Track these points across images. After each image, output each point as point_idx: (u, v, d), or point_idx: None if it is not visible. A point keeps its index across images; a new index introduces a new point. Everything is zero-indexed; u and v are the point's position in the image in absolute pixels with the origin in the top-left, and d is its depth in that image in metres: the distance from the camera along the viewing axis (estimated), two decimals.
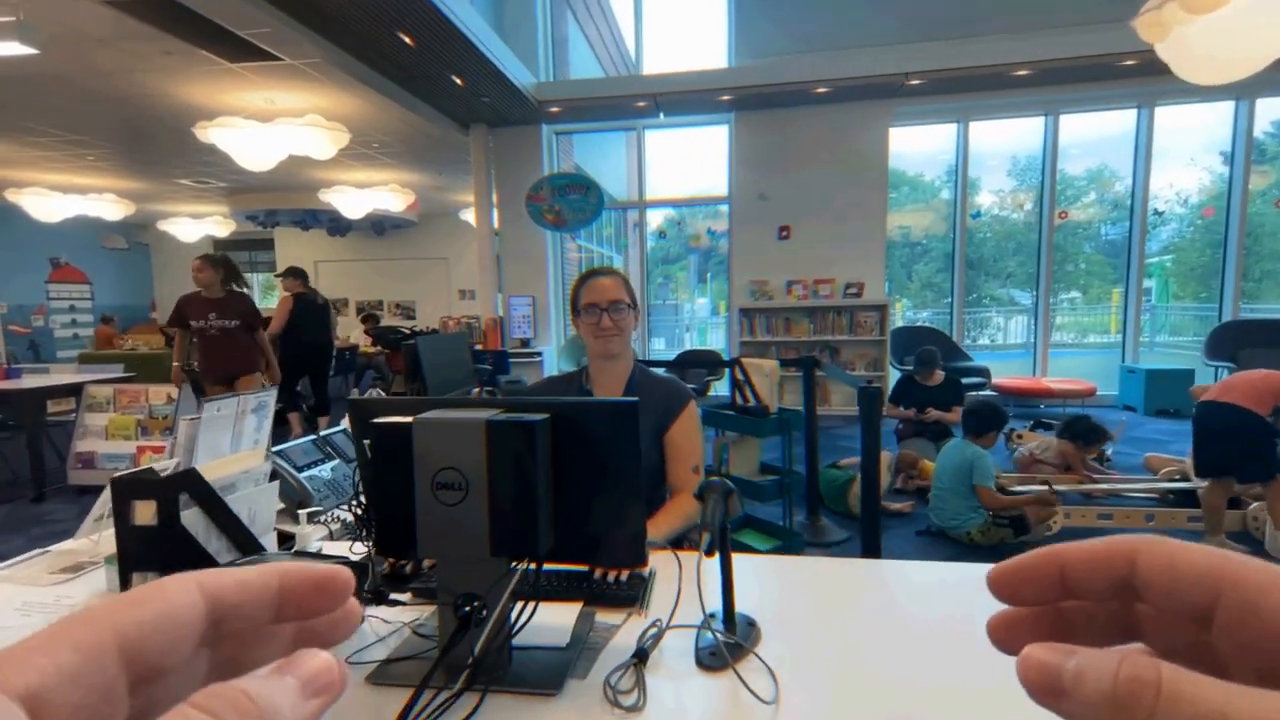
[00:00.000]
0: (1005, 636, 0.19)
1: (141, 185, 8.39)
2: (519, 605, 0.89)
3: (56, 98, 5.14)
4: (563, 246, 7.03)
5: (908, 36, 5.55)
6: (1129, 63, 5.03)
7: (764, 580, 1.17)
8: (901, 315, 7.34)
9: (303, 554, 1.10)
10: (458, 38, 4.31)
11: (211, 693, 0.14)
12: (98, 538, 1.33)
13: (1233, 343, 5.65)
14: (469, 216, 9.17)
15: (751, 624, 0.98)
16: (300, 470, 1.63)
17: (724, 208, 6.70)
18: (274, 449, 1.69)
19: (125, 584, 0.89)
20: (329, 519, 1.52)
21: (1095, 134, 6.75)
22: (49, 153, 6.67)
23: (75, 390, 4.02)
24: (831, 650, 0.94)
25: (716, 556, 0.95)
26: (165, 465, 1.45)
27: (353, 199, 7.56)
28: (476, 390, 3.63)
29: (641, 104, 6.02)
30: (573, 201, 6.10)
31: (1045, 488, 3.18)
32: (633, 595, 1.07)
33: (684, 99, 5.95)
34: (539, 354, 6.43)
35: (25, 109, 5.36)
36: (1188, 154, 6.61)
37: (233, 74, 4.77)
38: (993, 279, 9.72)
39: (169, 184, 8.41)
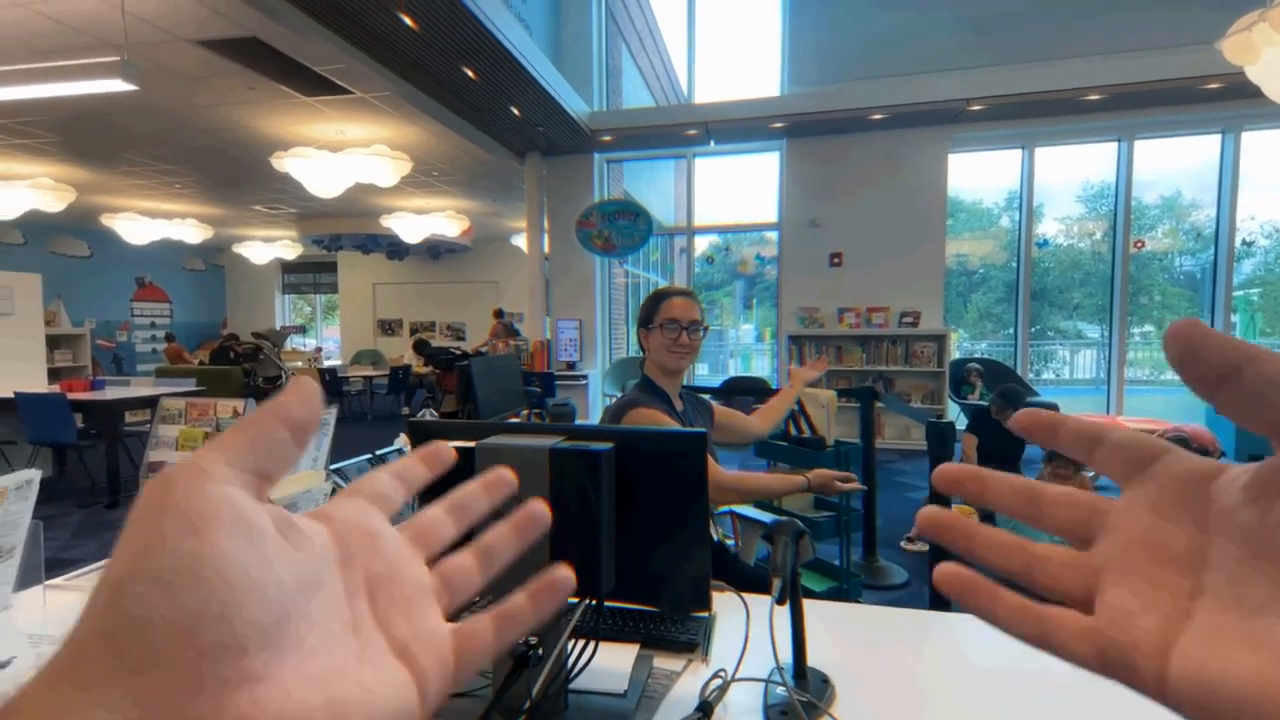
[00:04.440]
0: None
1: (220, 211, 8.96)
2: (576, 645, 0.84)
3: (152, 130, 5.56)
4: (610, 271, 7.09)
5: (969, 61, 5.43)
6: (1212, 86, 4.76)
7: (834, 630, 1.09)
8: (957, 346, 7.05)
9: None
10: (518, 71, 4.46)
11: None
12: None
13: None
14: (519, 241, 9.42)
15: (825, 681, 0.90)
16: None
17: (772, 234, 6.64)
18: (330, 467, 1.71)
19: None
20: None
21: (1169, 161, 6.41)
22: (142, 181, 7.20)
23: (151, 402, 4.25)
24: (913, 714, 0.86)
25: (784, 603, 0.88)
26: None
27: (411, 224, 7.87)
28: (525, 412, 3.63)
29: (692, 132, 6.07)
30: (622, 227, 6.16)
31: None
32: (693, 640, 1.00)
33: (735, 127, 5.97)
34: (584, 377, 6.45)
35: (125, 141, 5.82)
36: (1275, 181, 6.18)
37: (308, 107, 5.05)
38: (1057, 310, 9.27)
39: (245, 209, 8.95)
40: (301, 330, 13.64)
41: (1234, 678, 0.16)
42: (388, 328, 12.48)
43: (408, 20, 3.65)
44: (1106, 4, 5.20)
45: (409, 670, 0.19)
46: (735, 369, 10.55)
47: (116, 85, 3.20)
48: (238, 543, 0.16)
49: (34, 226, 8.26)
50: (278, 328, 11.69)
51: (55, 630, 1.03)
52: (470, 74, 4.47)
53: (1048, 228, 6.77)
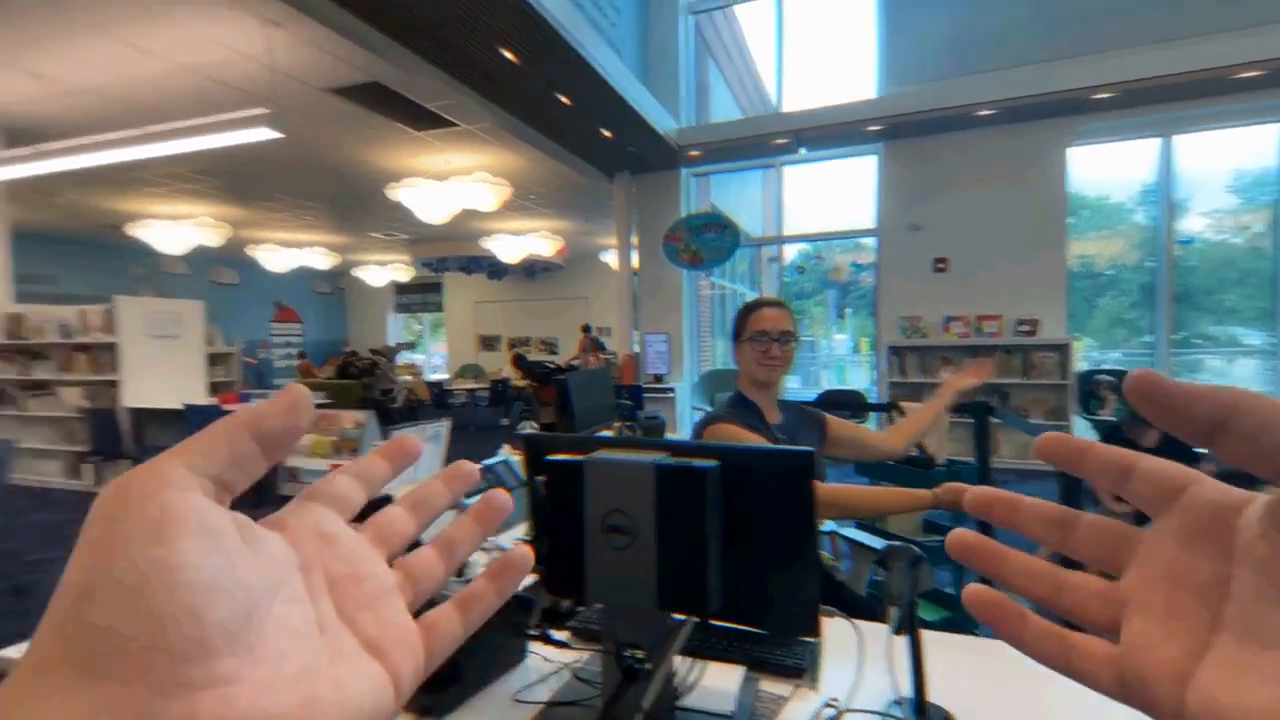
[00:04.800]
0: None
1: (343, 239, 9.89)
2: (682, 663, 0.84)
3: (289, 170, 6.25)
4: (696, 284, 7.09)
5: (1091, 46, 4.97)
6: None
7: (953, 663, 1.01)
8: (1084, 355, 6.40)
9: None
10: (610, 94, 4.60)
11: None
12: None
13: None
14: (608, 258, 9.65)
15: (947, 717, 0.84)
16: (468, 498, 1.74)
17: (867, 240, 6.37)
18: None
19: None
20: (491, 547, 1.59)
21: None
22: (280, 214, 8.11)
23: None
24: None
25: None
26: None
27: (509, 245, 8.29)
28: (617, 425, 3.70)
29: (782, 141, 5.98)
30: (709, 240, 6.15)
31: None
32: (800, 665, 0.97)
33: (828, 132, 5.81)
34: (671, 390, 6.47)
35: (268, 181, 6.59)
36: None
37: (419, 141, 5.48)
38: (1205, 315, 8.17)
39: (364, 237, 9.82)
40: (411, 346, 14.70)
41: (1246, 709, 0.16)
42: (488, 343, 13.18)
43: (508, 54, 3.88)
44: None
45: (381, 665, 0.20)
46: (828, 382, 10.16)
47: (265, 134, 3.64)
48: (202, 547, 0.16)
49: (194, 258, 9.51)
50: (391, 344, 12.68)
51: None
52: (564, 100, 4.67)
53: (1193, 223, 6.02)
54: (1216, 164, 6.08)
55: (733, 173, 7.66)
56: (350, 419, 4.01)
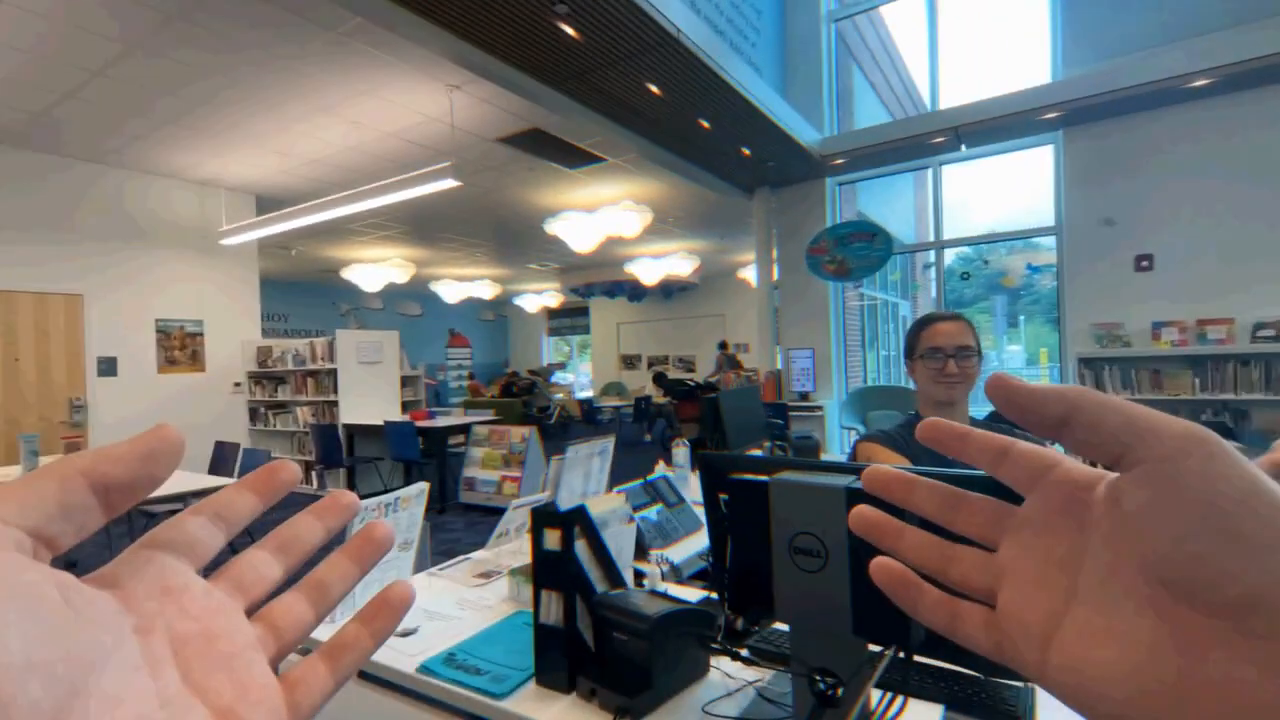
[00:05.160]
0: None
1: (505, 270, 10.89)
2: (880, 696, 0.82)
3: (463, 213, 7.06)
4: (843, 296, 6.78)
5: None
6: None
7: None
8: None
9: (654, 593, 1.21)
10: (752, 113, 4.62)
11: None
12: (497, 551, 1.68)
13: None
14: (744, 274, 9.58)
15: None
16: (634, 512, 1.83)
17: (1045, 239, 5.67)
18: (616, 490, 1.93)
19: (537, 598, 1.09)
20: (660, 561, 1.66)
21: None
22: (454, 252, 9.15)
23: (465, 429, 5.29)
24: None
25: None
26: (538, 498, 1.76)
27: (649, 267, 8.58)
28: (765, 444, 3.64)
29: (939, 139, 5.56)
30: (857, 250, 5.88)
31: None
32: (1011, 712, 0.90)
33: (995, 125, 5.30)
34: (819, 407, 6.22)
35: (445, 223, 7.48)
36: None
37: (569, 177, 5.91)
38: None
39: (522, 268, 10.74)
40: (562, 367, 15.70)
41: (1092, 667, 0.19)
42: (629, 362, 13.68)
43: (654, 89, 4.06)
44: None
45: None
46: None
47: (448, 184, 4.17)
48: (15, 616, 0.14)
49: (385, 294, 11.04)
50: (545, 365, 13.64)
51: (439, 607, 1.35)
52: (705, 125, 4.78)
53: None
54: None
55: (883, 178, 7.26)
56: (518, 434, 4.38)
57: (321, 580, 0.22)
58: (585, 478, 1.96)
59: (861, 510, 0.25)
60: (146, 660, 0.17)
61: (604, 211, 6.06)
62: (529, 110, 4.25)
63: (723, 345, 9.88)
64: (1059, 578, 0.21)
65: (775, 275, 6.71)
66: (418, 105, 4.26)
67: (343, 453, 5.80)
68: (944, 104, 6.23)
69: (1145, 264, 5.03)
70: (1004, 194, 6.82)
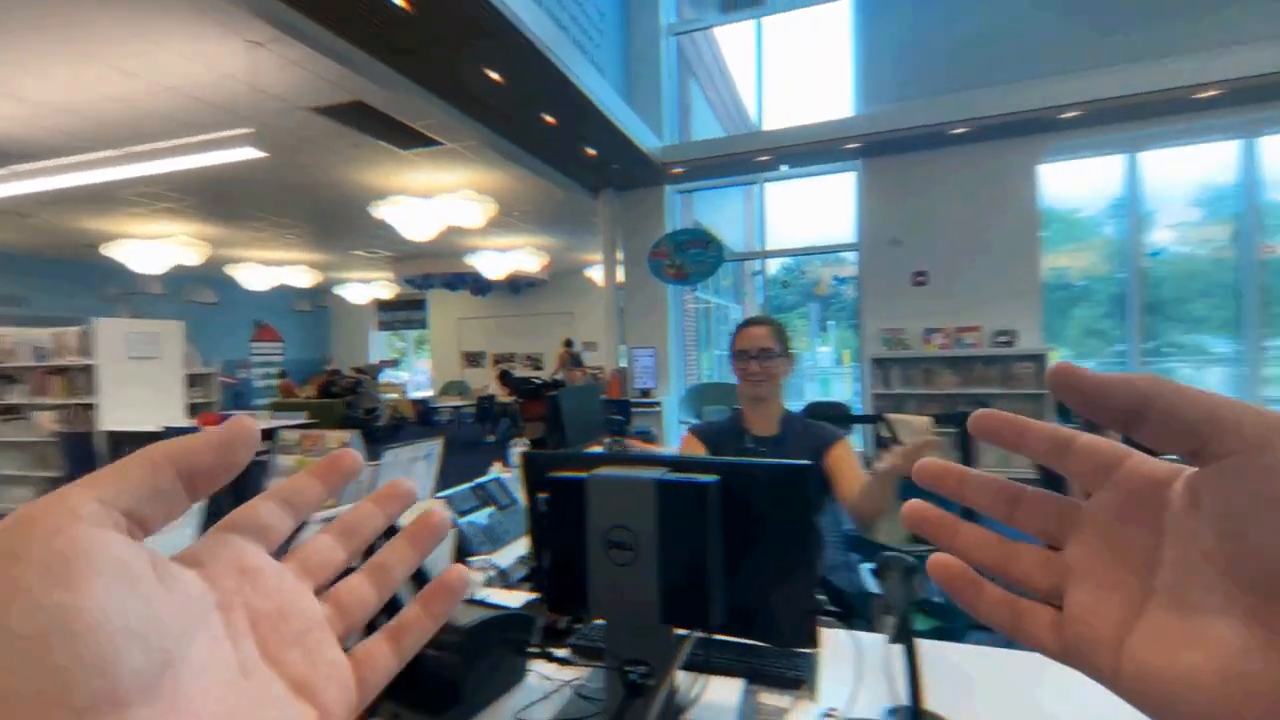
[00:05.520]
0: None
1: (325, 257, 9.82)
2: (685, 677, 0.85)
3: (271, 189, 6.22)
4: (681, 298, 7.15)
5: (1059, 67, 5.15)
6: None
7: (945, 671, 1.04)
8: None
9: (472, 601, 1.15)
10: (595, 114, 4.66)
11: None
12: None
13: None
14: (593, 273, 9.70)
15: None
16: (460, 517, 1.73)
17: (848, 255, 6.49)
18: (438, 495, 1.82)
19: None
20: (485, 566, 1.59)
21: None
22: (261, 233, 8.03)
23: (269, 434, 4.65)
24: None
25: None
26: (347, 509, 1.60)
27: (494, 261, 8.30)
28: (606, 440, 3.70)
29: (764, 158, 6.09)
30: (693, 255, 6.22)
31: None
32: (798, 676, 0.99)
33: (807, 150, 5.93)
34: (658, 404, 6.49)
35: (249, 200, 6.54)
36: None
37: (402, 159, 5.50)
38: (1175, 324, 8.41)
39: (346, 255, 9.76)
40: (394, 364, 14.56)
41: (1173, 672, 0.18)
42: (472, 360, 13.12)
43: (494, 75, 3.92)
44: None
45: (312, 705, 0.19)
46: (813, 394, 10.26)
47: (249, 153, 3.63)
48: (116, 589, 0.15)
49: (172, 278, 9.37)
50: (374, 362, 12.55)
51: None
52: (549, 120, 4.72)
53: (1160, 235, 6.22)
54: (1181, 179, 6.31)
55: (716, 189, 7.77)
56: (336, 438, 3.96)
57: (383, 564, 0.24)
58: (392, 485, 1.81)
59: (914, 505, 0.24)
60: (228, 634, 0.18)
61: (442, 199, 5.72)
62: (350, 81, 3.86)
63: (568, 343, 9.88)
64: (1133, 579, 0.20)
65: (620, 276, 6.86)
66: (208, 58, 3.65)
67: (102, 465, 4.78)
68: (768, 126, 6.83)
69: (921, 279, 5.97)
70: (819, 212, 7.65)
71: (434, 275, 10.11)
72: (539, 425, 6.90)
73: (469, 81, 4.00)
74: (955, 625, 2.44)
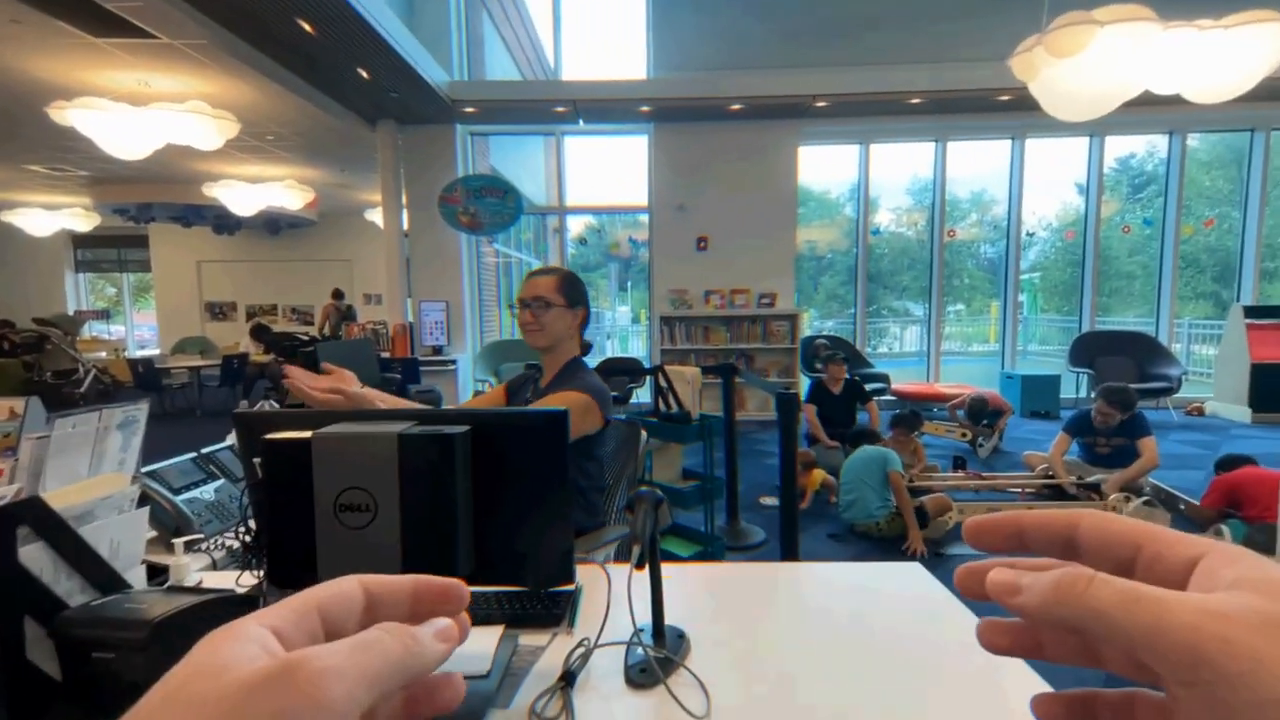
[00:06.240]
0: (989, 639, 0.23)
1: None
2: None
3: None
4: (479, 250, 6.82)
5: (815, 61, 5.87)
6: (1005, 98, 5.58)
7: (691, 589, 1.16)
8: (809, 325, 7.71)
9: (177, 589, 0.97)
10: (363, 28, 4.08)
11: (383, 624, 0.21)
12: None
13: (1091, 351, 6.37)
14: (375, 217, 8.72)
15: (681, 636, 0.96)
16: (178, 493, 1.45)
17: (644, 217, 6.77)
18: (145, 470, 1.49)
19: None
20: (212, 546, 1.36)
21: (976, 161, 7.45)
22: None
23: None
24: (761, 657, 0.94)
25: (645, 569, 0.92)
26: (3, 493, 1.24)
27: (243, 194, 6.96)
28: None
29: (561, 109, 5.97)
30: (489, 205, 5.94)
31: (942, 494, 3.42)
32: (558, 614, 1.02)
33: (603, 107, 5.96)
34: (453, 362, 6.18)
35: None
36: (1050, 183, 7.44)
37: (97, 49, 4.26)
38: (890, 291, 10.46)
39: (16, 170, 7.37)
40: (104, 316, 11.62)
41: None
42: (218, 311, 11.04)
43: None
44: (932, 15, 5.85)
45: None
46: (612, 350, 10.69)
47: None
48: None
49: None
50: (70, 313, 9.86)
51: None
52: (308, 27, 4.02)
53: (882, 217, 7.58)
54: (899, 171, 7.71)
55: (514, 136, 7.44)
56: (2, 408, 3.03)
57: None
58: (97, 459, 1.45)
59: (974, 521, 0.24)
60: None
61: (160, 109, 4.55)
62: None
63: (336, 294, 8.82)
64: None
65: (406, 222, 6.26)
66: None
67: None
68: (568, 75, 6.70)
69: (703, 245, 6.49)
70: (617, 173, 7.79)
71: (155, 205, 8.16)
72: None
73: None
74: (714, 548, 2.79)
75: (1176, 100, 3.28)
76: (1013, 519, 0.23)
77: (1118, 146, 7.79)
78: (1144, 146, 8.26)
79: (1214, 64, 2.94)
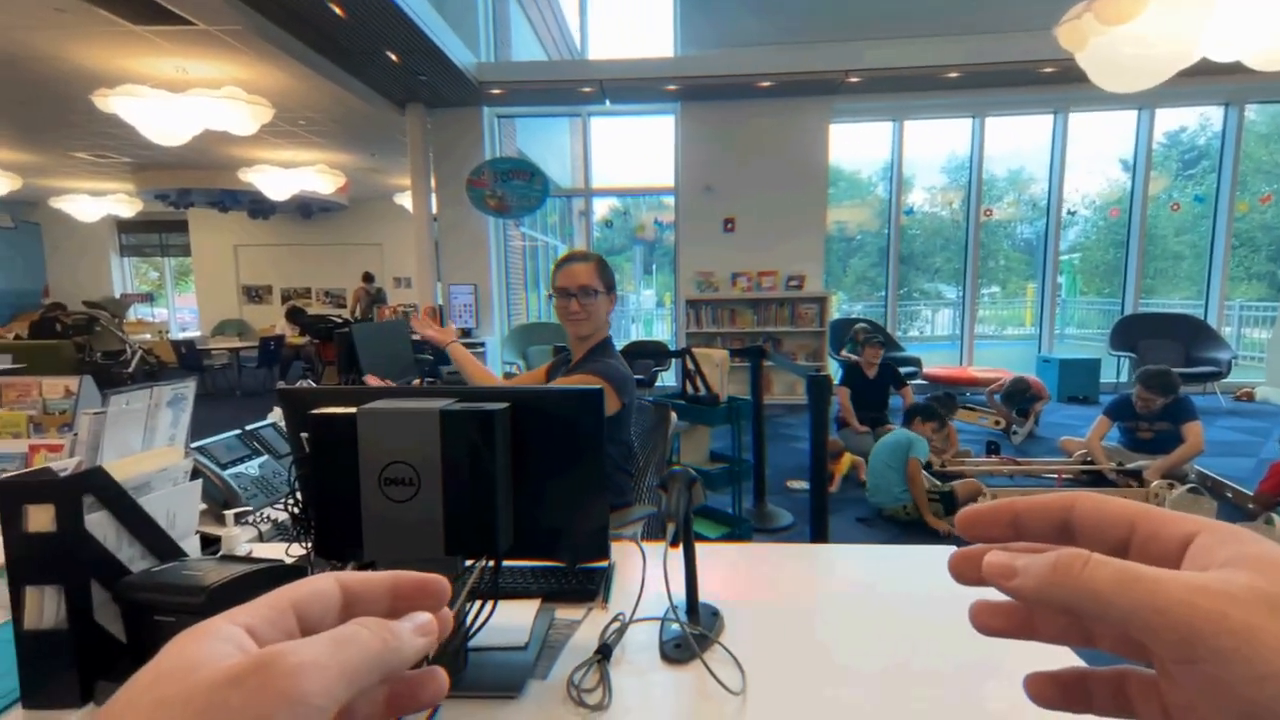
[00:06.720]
0: (983, 621, 0.23)
1: (30, 157, 7.57)
2: (475, 605, 0.84)
3: None
4: (506, 233, 6.85)
5: (848, 35, 5.69)
6: (1048, 70, 5.34)
7: (723, 568, 1.16)
8: (837, 308, 7.59)
9: (229, 558, 1.01)
10: (392, 11, 4.09)
11: (361, 619, 0.21)
12: None
13: (1134, 335, 6.15)
14: (404, 200, 8.81)
15: (715, 614, 0.96)
16: (224, 468, 1.50)
17: (669, 199, 6.70)
18: (194, 445, 1.55)
19: (17, 600, 0.78)
20: (258, 519, 1.41)
21: (1014, 137, 7.17)
22: None
23: None
24: (794, 636, 0.95)
25: (679, 547, 0.93)
26: (65, 465, 1.30)
27: (277, 179, 7.09)
28: (417, 382, 3.48)
29: (587, 89, 5.92)
30: (516, 188, 5.94)
31: (973, 479, 3.36)
32: (593, 589, 1.03)
33: (630, 86, 5.89)
34: (482, 344, 6.25)
35: None
36: (1093, 159, 7.13)
37: (136, 36, 4.35)
38: (922, 274, 10.21)
39: (63, 157, 7.62)
40: (148, 299, 12.04)
41: None
42: (255, 294, 11.32)
43: None
44: None
45: None
46: (638, 334, 10.69)
47: None
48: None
49: None
50: (117, 296, 10.23)
51: None
52: (338, 11, 4.04)
53: (915, 197, 7.37)
54: (933, 149, 7.49)
55: (540, 119, 7.41)
56: (57, 386, 3.17)
57: None
58: (150, 434, 1.52)
59: (967, 511, 0.24)
60: None
61: (198, 95, 4.65)
62: None
63: (367, 278, 8.97)
64: None
65: (434, 205, 6.32)
66: None
67: None
68: (594, 55, 6.63)
69: (730, 226, 6.40)
70: (643, 154, 7.72)
71: (194, 190, 8.37)
72: (336, 369, 6.25)
73: None
74: (742, 530, 2.79)
75: (1236, 68, 3.09)
76: (1007, 506, 0.23)
77: (1168, 120, 7.41)
78: (1196, 119, 7.85)
79: None
